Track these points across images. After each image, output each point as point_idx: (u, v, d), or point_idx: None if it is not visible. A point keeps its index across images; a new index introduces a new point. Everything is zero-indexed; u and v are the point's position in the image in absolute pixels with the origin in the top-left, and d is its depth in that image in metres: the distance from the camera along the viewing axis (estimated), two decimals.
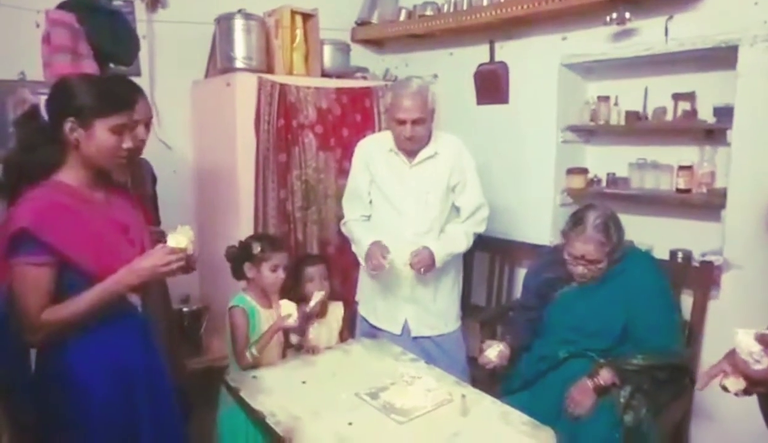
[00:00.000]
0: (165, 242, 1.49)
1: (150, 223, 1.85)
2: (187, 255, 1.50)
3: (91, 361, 1.44)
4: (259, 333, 2.02)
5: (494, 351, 1.97)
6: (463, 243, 2.35)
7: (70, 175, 1.45)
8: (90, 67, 1.94)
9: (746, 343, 1.15)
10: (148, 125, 1.93)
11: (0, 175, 1.47)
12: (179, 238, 1.49)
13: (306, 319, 2.21)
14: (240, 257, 2.11)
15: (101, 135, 1.43)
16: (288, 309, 1.97)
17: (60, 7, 2.02)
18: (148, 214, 1.89)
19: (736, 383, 1.24)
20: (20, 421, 1.49)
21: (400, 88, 2.27)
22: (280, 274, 2.11)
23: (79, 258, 1.39)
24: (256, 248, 2.08)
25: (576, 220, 2.00)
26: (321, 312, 2.30)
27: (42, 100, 1.47)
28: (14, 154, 1.48)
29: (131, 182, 2.03)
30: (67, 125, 1.41)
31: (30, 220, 1.34)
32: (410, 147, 2.28)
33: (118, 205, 1.56)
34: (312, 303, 2.13)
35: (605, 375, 1.85)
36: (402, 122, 2.20)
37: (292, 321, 1.97)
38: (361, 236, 2.35)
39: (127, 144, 1.48)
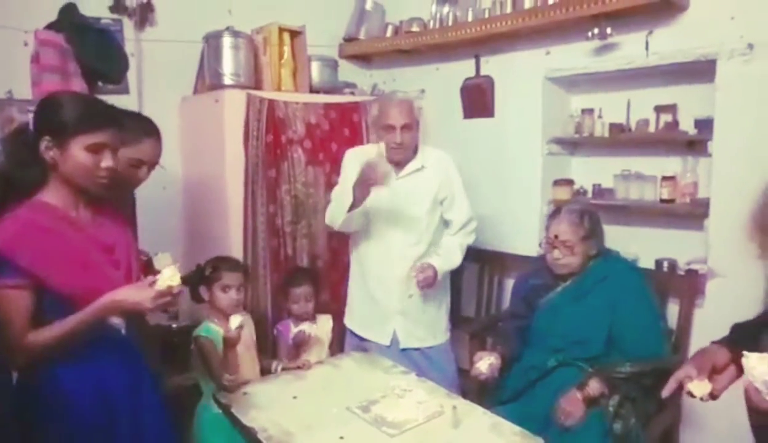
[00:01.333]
0: (152, 266, 1.45)
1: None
2: (175, 293, 1.45)
3: (71, 383, 1.42)
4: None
5: (485, 364, 1.99)
6: (459, 257, 2.41)
7: (52, 194, 1.44)
8: (78, 85, 1.95)
9: (760, 371, 1.03)
10: (151, 168, 1.86)
11: None
12: (173, 276, 1.43)
13: (295, 346, 2.22)
14: (195, 280, 2.10)
15: (76, 153, 1.40)
16: (234, 322, 1.91)
17: (49, 27, 2.04)
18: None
19: (701, 387, 1.21)
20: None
21: (386, 98, 2.38)
22: (233, 295, 2.08)
23: (56, 281, 1.37)
24: (207, 269, 2.09)
25: (555, 210, 2.20)
26: (309, 342, 2.27)
27: (31, 117, 1.46)
28: (1, 170, 1.46)
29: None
30: (43, 144, 1.40)
31: (4, 243, 1.33)
32: (399, 155, 2.31)
33: (104, 225, 1.53)
34: (292, 333, 2.16)
35: (594, 386, 1.87)
36: (391, 128, 2.25)
37: (233, 330, 1.90)
38: (338, 194, 2.35)
39: (106, 163, 1.44)
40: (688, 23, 2.27)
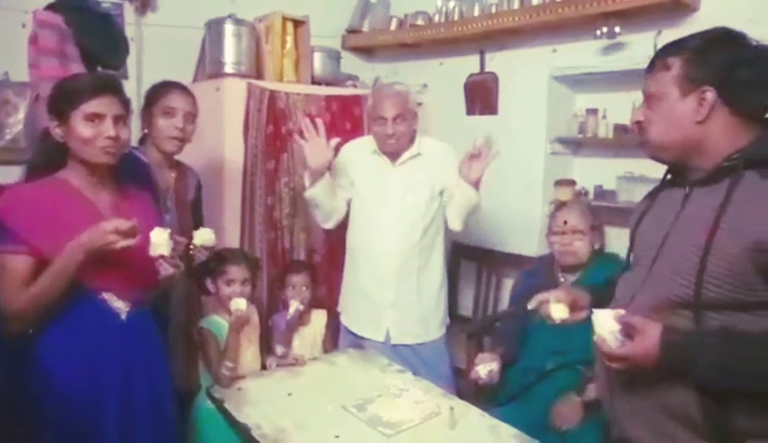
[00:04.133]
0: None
1: (189, 228, 1.96)
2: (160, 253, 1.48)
3: (59, 361, 1.44)
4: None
5: (485, 369, 1.97)
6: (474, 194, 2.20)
7: (70, 173, 1.49)
8: (77, 69, 1.91)
9: (609, 323, 1.14)
10: (187, 118, 1.99)
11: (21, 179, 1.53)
12: (160, 241, 1.48)
13: (289, 329, 2.20)
14: (201, 273, 2.08)
15: (77, 125, 1.43)
16: (237, 304, 1.95)
17: (48, 8, 1.99)
18: (189, 218, 2.08)
19: (560, 310, 1.36)
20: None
21: (381, 89, 2.36)
22: (236, 289, 2.07)
23: (48, 250, 1.39)
24: (213, 263, 2.07)
25: (561, 203, 2.32)
26: (303, 319, 2.28)
27: None
28: (30, 159, 1.57)
29: (175, 188, 2.06)
30: (52, 124, 1.44)
31: (2, 209, 1.38)
32: (392, 146, 2.26)
33: (125, 209, 1.52)
34: (290, 313, 2.15)
35: (593, 390, 1.85)
36: (382, 119, 2.22)
37: (236, 311, 1.94)
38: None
39: (108, 132, 1.44)
40: (699, 24, 2.23)
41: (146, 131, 1.99)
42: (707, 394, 1.10)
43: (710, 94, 1.14)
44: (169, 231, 1.52)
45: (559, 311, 1.36)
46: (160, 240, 1.48)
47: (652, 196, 1.36)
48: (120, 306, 1.51)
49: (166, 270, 1.54)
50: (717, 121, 1.15)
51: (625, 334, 1.13)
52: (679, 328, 1.11)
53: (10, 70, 2.45)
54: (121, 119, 1.49)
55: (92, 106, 1.43)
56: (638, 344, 1.11)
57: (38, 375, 1.44)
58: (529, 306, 1.39)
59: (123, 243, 1.40)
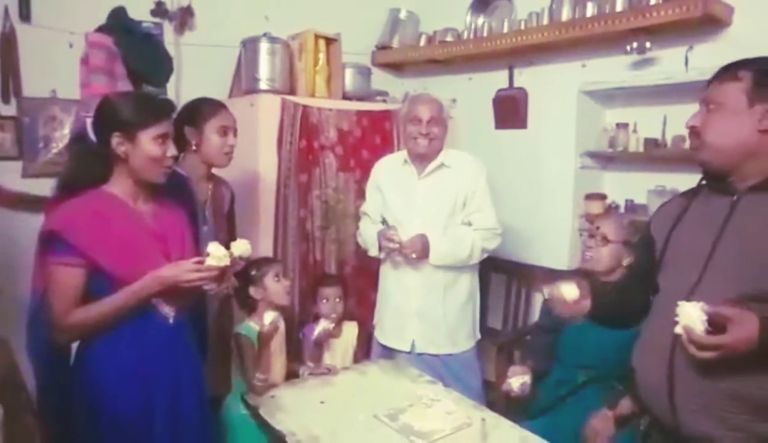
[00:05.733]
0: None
1: (224, 239, 2.00)
2: (223, 267, 1.55)
3: (110, 365, 1.49)
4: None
5: (518, 382, 1.98)
6: (467, 252, 2.28)
7: (115, 185, 1.55)
8: (124, 87, 2.01)
9: (695, 313, 1.16)
10: (235, 133, 2.11)
11: (54, 189, 1.57)
12: (219, 255, 1.53)
13: (317, 346, 2.24)
14: (243, 287, 2.12)
15: (146, 145, 1.51)
16: (269, 317, 2.00)
17: (98, 30, 2.09)
18: (229, 230, 2.21)
19: (571, 290, 1.41)
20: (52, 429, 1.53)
21: (416, 96, 2.46)
22: (284, 282, 2.15)
23: (106, 263, 1.45)
24: (253, 270, 2.12)
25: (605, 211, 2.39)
26: (334, 332, 2.31)
27: (88, 122, 1.54)
28: (66, 172, 1.60)
29: (212, 199, 2.14)
30: (115, 140, 1.50)
31: (59, 223, 1.44)
32: (424, 148, 2.29)
33: (163, 219, 1.61)
34: (316, 332, 2.19)
35: (625, 405, 1.84)
36: (418, 120, 2.28)
37: (267, 325, 1.99)
38: (368, 230, 2.45)
39: (171, 152, 1.56)
40: (731, 39, 2.24)
41: (195, 147, 2.05)
42: None
43: None
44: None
45: (570, 291, 1.40)
46: (219, 254, 1.54)
47: (683, 200, 1.43)
48: (168, 311, 1.57)
49: (210, 287, 1.58)
50: None
51: (710, 325, 1.16)
52: None
53: (58, 88, 2.57)
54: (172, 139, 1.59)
55: (162, 127, 1.54)
56: (737, 332, 1.13)
57: (89, 380, 1.49)
58: (545, 296, 1.47)
59: (207, 287, 1.53)
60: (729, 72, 1.32)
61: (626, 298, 1.58)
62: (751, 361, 1.15)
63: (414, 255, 2.23)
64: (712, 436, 1.23)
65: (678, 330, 1.19)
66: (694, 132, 1.35)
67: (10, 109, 2.53)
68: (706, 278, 1.27)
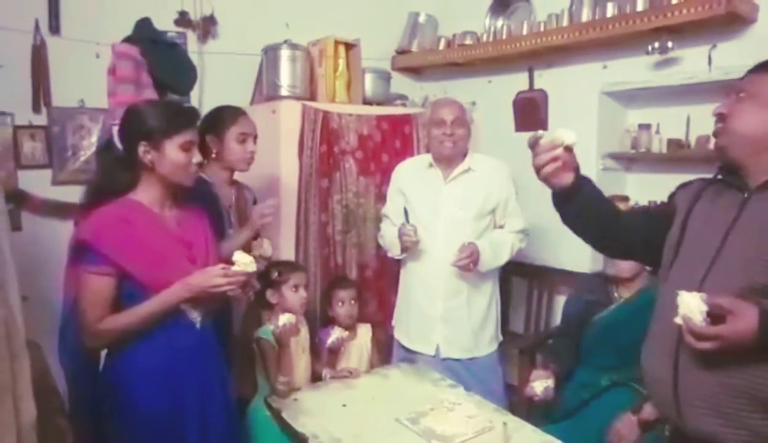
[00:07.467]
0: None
1: (248, 242, 2.06)
2: (249, 273, 1.58)
3: (140, 369, 1.52)
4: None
5: (541, 386, 1.97)
6: (507, 255, 2.36)
7: (142, 193, 1.58)
8: (150, 96, 2.06)
9: (695, 303, 1.14)
10: (255, 140, 2.14)
11: (82, 197, 1.61)
12: (245, 261, 1.57)
13: (331, 353, 2.26)
14: (262, 287, 2.13)
15: (172, 153, 1.55)
16: (283, 319, 2.01)
17: (125, 40, 2.15)
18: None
19: (569, 134, 1.32)
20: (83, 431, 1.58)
21: (438, 100, 2.50)
22: (302, 293, 2.16)
23: (136, 270, 1.49)
24: (274, 273, 2.14)
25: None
26: (350, 335, 2.33)
27: (114, 130, 1.58)
28: (94, 179, 1.65)
29: (235, 205, 2.18)
30: (141, 148, 1.54)
31: (90, 232, 1.47)
32: (449, 150, 2.31)
33: (188, 225, 1.65)
34: (330, 340, 2.20)
35: (649, 410, 1.82)
36: (442, 122, 2.30)
37: (279, 326, 2.00)
38: (389, 231, 2.46)
39: (196, 159, 1.59)
40: (756, 37, 2.20)
41: (216, 154, 2.09)
42: None
43: None
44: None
45: (569, 135, 1.31)
46: (246, 261, 1.57)
47: (702, 184, 1.41)
48: (195, 316, 1.60)
49: (234, 292, 1.61)
50: None
51: (710, 316, 1.15)
52: None
53: (86, 97, 2.64)
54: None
55: (187, 135, 1.57)
56: (735, 323, 1.12)
57: (119, 384, 1.52)
58: (531, 141, 1.37)
59: (232, 292, 1.56)
60: (765, 65, 1.30)
61: (614, 218, 1.54)
62: (755, 356, 1.14)
63: (472, 266, 2.22)
64: (715, 433, 1.21)
65: (677, 320, 1.18)
66: (721, 118, 1.34)
67: (40, 119, 2.60)
68: (711, 275, 1.26)
